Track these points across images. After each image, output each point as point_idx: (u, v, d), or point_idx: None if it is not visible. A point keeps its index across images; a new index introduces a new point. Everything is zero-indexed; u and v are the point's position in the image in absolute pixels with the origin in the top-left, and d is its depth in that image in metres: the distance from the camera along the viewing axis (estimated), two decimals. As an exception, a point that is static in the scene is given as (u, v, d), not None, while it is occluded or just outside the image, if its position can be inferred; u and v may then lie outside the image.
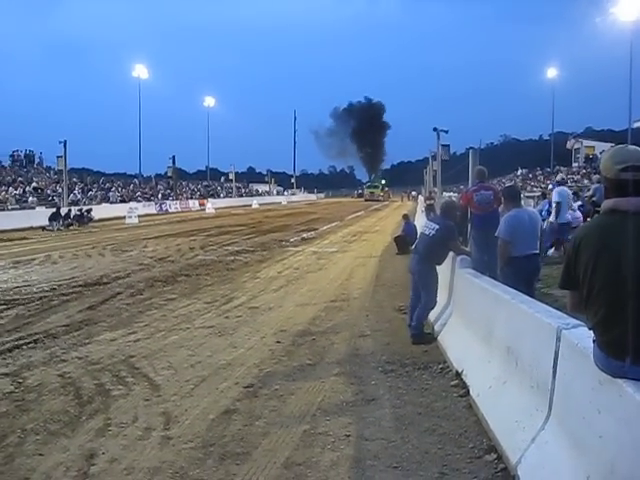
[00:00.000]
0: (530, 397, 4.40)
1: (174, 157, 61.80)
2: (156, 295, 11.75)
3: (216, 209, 53.76)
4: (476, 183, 10.07)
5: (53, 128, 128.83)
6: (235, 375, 6.75)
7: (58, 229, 30.44)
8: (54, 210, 32.86)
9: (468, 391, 5.86)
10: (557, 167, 63.90)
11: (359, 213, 47.23)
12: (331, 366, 7.07)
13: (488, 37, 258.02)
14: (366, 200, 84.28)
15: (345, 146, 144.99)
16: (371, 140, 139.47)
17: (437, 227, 8.21)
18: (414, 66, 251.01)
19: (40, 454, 4.81)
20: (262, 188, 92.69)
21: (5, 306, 10.58)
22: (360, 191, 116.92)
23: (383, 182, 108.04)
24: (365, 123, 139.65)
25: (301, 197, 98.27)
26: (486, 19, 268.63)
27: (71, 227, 31.65)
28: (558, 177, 25.90)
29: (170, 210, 52.54)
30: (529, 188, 55.53)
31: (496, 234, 7.63)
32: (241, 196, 78.75)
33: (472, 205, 9.58)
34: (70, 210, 34.13)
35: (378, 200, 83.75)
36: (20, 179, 47.67)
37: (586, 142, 68.29)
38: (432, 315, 8.47)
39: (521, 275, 7.17)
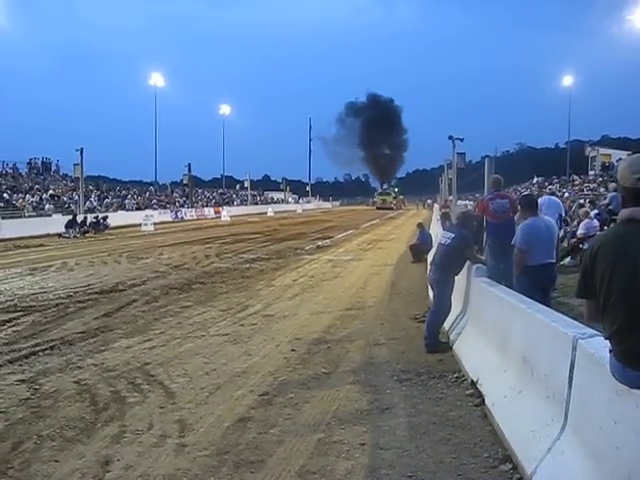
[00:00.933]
0: (546, 407, 4.38)
1: (190, 165, 62.12)
2: (171, 302, 11.79)
3: (231, 217, 53.86)
4: (492, 191, 10.04)
5: (70, 136, 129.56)
6: (250, 383, 6.76)
7: (74, 236, 30.66)
8: (70, 217, 33.15)
9: (483, 400, 5.83)
10: (573, 175, 63.42)
11: (374, 221, 47.17)
12: (346, 374, 7.06)
13: (504, 44, 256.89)
14: (377, 208, 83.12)
15: (353, 153, 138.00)
16: (380, 141, 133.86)
17: (453, 236, 8.20)
18: (430, 73, 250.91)
19: (56, 460, 4.84)
20: (277, 196, 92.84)
21: (22, 312, 10.67)
22: (375, 199, 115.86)
23: (396, 190, 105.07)
24: (374, 122, 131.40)
25: (316, 205, 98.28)
26: (503, 26, 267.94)
27: (87, 234, 31.87)
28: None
29: (186, 218, 52.74)
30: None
31: (512, 242, 7.60)
32: (256, 204, 78.90)
33: (488, 213, 9.55)
34: (86, 217, 34.43)
35: (390, 208, 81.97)
36: (37, 186, 48.00)
37: (602, 150, 67.72)
38: (447, 324, 8.45)
39: (537, 284, 7.15)
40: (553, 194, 16.26)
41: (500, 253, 8.95)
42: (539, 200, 10.49)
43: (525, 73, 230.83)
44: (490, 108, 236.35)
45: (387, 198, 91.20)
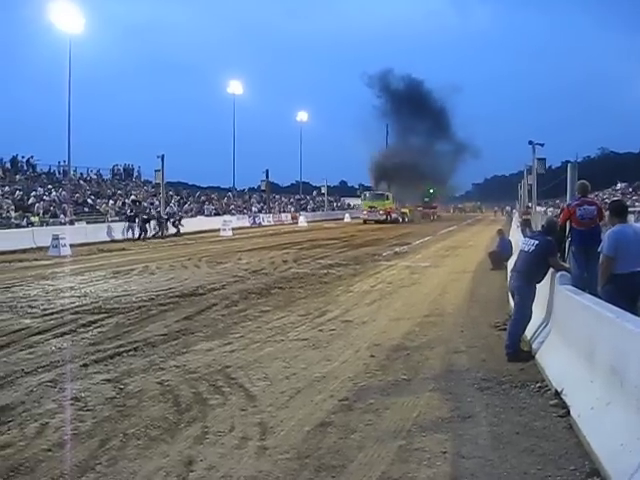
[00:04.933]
0: (637, 419, 4.24)
1: (267, 171, 62.90)
2: (251, 307, 11.97)
3: (308, 222, 54.29)
4: (578, 197, 9.77)
5: (151, 143, 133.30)
6: (330, 388, 6.80)
7: (143, 238, 32.67)
8: (144, 217, 35.15)
9: (568, 411, 5.68)
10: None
11: (451, 228, 46.64)
12: (426, 382, 7.01)
13: (583, 47, 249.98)
14: (365, 222, 55.38)
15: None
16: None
17: (536, 242, 8.02)
18: (507, 78, 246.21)
19: (141, 458, 4.99)
20: (354, 202, 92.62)
21: (106, 314, 11.06)
22: (460, 205, 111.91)
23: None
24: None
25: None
26: (581, 29, 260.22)
27: (156, 236, 34.02)
28: None
29: (263, 223, 53.41)
30: (629, 202, 53.45)
31: (599, 250, 7.40)
32: (333, 210, 79.07)
33: (574, 220, 9.32)
34: (149, 217, 36.47)
35: (384, 221, 54.65)
36: (119, 192, 49.63)
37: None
38: (529, 332, 8.27)
39: (624, 293, 6.91)
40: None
41: (585, 261, 8.71)
42: None
43: (606, 77, 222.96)
44: (570, 113, 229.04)
45: (377, 204, 57.15)
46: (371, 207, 57.29)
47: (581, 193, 9.84)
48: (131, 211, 36.04)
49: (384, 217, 55.80)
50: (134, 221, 33.67)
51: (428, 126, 77.89)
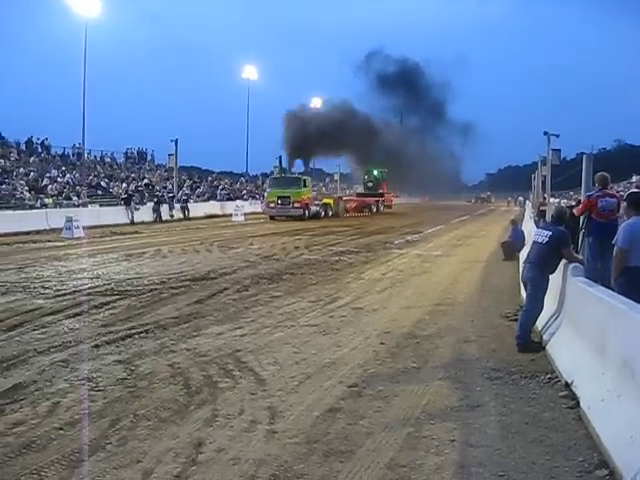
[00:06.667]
0: (647, 412, 4.23)
1: (281, 157, 62.31)
2: (262, 292, 12.00)
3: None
4: (599, 189, 9.65)
5: (165, 127, 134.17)
6: (339, 374, 6.81)
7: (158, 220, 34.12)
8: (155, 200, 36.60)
9: (578, 403, 5.68)
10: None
11: (464, 217, 46.47)
12: (435, 370, 7.02)
13: (600, 37, 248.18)
14: (271, 218, 39.82)
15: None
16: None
17: (550, 234, 7.98)
18: (522, 68, 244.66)
19: (151, 439, 5.04)
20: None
21: (118, 296, 11.15)
22: (483, 195, 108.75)
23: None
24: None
25: (402, 200, 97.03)
26: (599, 19, 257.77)
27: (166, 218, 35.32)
28: None
29: (276, 209, 53.10)
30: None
31: (613, 242, 7.35)
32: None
33: (594, 211, 9.26)
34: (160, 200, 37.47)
35: (302, 218, 38.81)
36: (132, 175, 49.82)
37: None
38: (540, 323, 8.24)
39: (638, 286, 6.86)
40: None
41: (600, 253, 8.66)
42: None
43: (623, 67, 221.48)
44: (586, 104, 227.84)
45: (292, 194, 39.67)
46: (281, 198, 39.78)
47: (601, 185, 9.72)
48: (125, 193, 36.51)
49: (301, 211, 39.53)
50: (129, 204, 33.94)
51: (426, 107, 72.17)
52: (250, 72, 71.47)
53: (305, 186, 41.51)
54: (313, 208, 41.58)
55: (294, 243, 22.34)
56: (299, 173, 48.87)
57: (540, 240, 8.07)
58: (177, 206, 38.28)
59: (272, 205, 40.32)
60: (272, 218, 39.76)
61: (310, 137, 49.30)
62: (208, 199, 49.29)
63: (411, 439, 5.08)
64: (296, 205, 39.57)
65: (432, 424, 5.39)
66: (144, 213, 34.79)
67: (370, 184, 56.00)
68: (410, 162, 60.14)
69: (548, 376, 6.69)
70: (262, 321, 9.44)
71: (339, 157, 60.45)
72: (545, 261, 7.94)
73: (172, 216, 37.03)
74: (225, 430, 5.24)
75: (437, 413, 5.67)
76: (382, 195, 54.66)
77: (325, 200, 45.07)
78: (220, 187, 56.19)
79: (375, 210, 50.86)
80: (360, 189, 59.69)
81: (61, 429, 5.19)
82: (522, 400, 6.04)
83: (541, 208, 24.35)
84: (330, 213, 43.52)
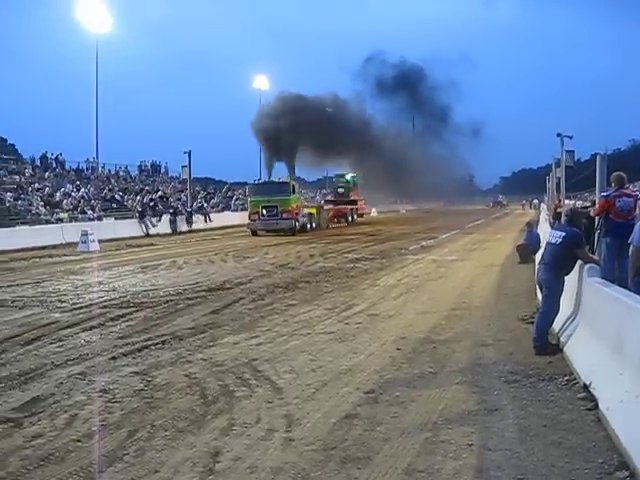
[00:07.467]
0: (667, 412, 4.18)
1: (294, 166, 62.76)
2: (277, 301, 12.02)
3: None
4: (616, 189, 9.57)
5: (178, 139, 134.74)
6: (356, 381, 6.79)
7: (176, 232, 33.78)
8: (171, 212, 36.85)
9: (597, 404, 5.62)
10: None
11: (479, 222, 46.32)
12: (452, 374, 6.97)
13: (612, 39, 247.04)
14: (253, 233, 33.40)
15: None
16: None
17: (564, 234, 7.92)
18: (532, 70, 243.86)
19: (169, 449, 5.04)
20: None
21: (134, 308, 11.22)
22: (499, 199, 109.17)
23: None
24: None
25: (419, 206, 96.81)
26: (610, 20, 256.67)
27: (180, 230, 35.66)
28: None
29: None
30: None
31: (629, 241, 7.29)
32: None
33: (612, 211, 9.19)
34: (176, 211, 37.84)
35: (292, 232, 33.16)
36: (147, 188, 50.07)
37: None
38: (557, 325, 8.18)
39: (655, 286, 6.82)
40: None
41: (617, 253, 8.60)
42: None
43: (635, 67, 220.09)
44: (599, 105, 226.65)
45: (279, 203, 33.59)
46: (267, 208, 33.18)
47: (618, 184, 9.63)
48: (141, 206, 36.84)
49: (291, 223, 33.53)
50: (144, 217, 34.16)
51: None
52: (261, 82, 71.75)
53: (294, 192, 35.33)
54: (301, 219, 35.37)
55: (309, 251, 22.43)
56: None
57: (554, 241, 8.02)
58: (198, 216, 38.78)
59: (254, 217, 33.58)
60: (255, 234, 32.88)
61: (290, 129, 42.92)
62: (222, 210, 49.47)
63: (429, 444, 5.05)
64: (285, 216, 33.27)
65: (450, 429, 5.35)
66: (160, 226, 35.03)
67: (341, 190, 49.31)
68: (420, 167, 58.14)
69: (566, 378, 6.63)
70: (278, 330, 9.44)
71: (327, 161, 53.76)
72: (559, 262, 7.87)
73: (191, 224, 37.44)
74: (242, 439, 5.24)
75: (454, 417, 5.63)
76: (355, 202, 48.78)
77: (307, 210, 38.33)
78: (234, 198, 56.36)
79: (350, 219, 45.95)
80: (329, 196, 53.95)
81: (79, 441, 5.21)
82: (540, 403, 5.98)
83: (557, 210, 24.20)
84: (314, 224, 37.51)
